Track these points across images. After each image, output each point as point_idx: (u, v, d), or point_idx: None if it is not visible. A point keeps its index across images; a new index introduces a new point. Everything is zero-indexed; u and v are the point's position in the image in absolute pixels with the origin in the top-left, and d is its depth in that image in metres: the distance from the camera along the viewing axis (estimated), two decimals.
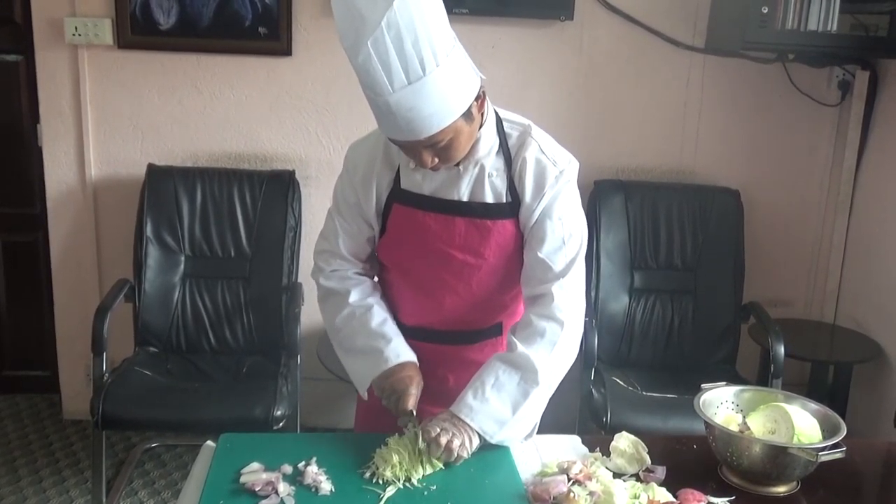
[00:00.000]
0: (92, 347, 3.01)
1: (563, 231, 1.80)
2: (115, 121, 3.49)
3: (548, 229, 1.79)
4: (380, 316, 1.89)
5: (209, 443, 1.79)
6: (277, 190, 3.40)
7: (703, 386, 1.85)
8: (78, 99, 3.45)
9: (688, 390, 2.03)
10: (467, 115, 1.65)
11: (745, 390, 1.88)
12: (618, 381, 3.17)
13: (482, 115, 1.73)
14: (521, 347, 1.77)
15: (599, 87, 3.55)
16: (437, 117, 1.59)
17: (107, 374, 3.02)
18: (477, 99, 1.67)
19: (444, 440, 1.67)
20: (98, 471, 3.04)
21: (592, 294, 3.37)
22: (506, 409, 1.74)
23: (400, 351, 1.85)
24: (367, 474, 1.65)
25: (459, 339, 1.95)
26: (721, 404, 1.84)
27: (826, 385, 3.49)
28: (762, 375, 3.27)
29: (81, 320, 3.48)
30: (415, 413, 1.75)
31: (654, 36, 3.49)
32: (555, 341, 1.78)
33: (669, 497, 1.61)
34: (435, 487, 1.62)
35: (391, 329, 1.88)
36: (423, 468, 1.66)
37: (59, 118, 3.48)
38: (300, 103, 3.51)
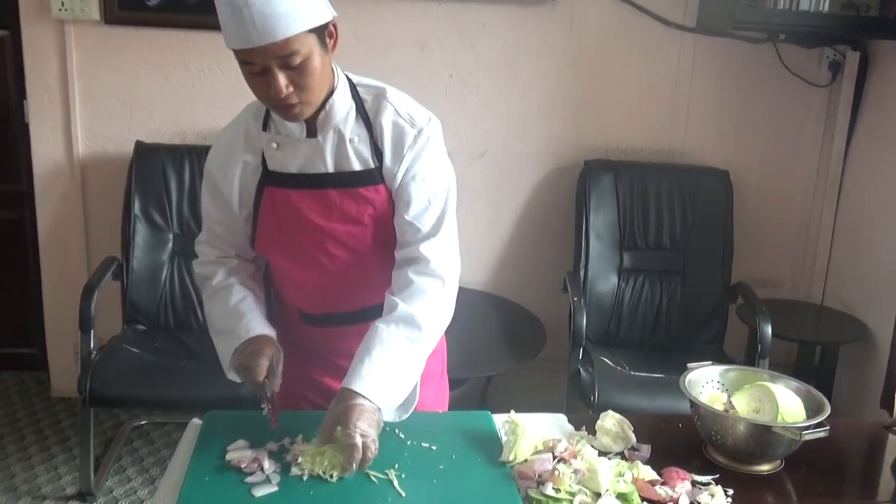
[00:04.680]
0: (79, 325, 3.00)
1: (429, 191, 1.76)
2: (103, 97, 3.46)
3: (412, 191, 1.75)
4: (239, 294, 1.82)
5: (195, 420, 1.79)
6: None
7: (689, 365, 1.86)
8: (65, 75, 3.41)
9: (675, 370, 2.04)
10: (321, 37, 1.61)
11: (731, 370, 1.88)
12: (606, 360, 3.18)
13: (335, 66, 1.70)
14: (403, 305, 1.71)
15: (589, 67, 3.54)
16: (291, 17, 1.53)
17: (94, 352, 3.01)
18: (330, 36, 1.64)
19: (371, 454, 1.56)
20: (86, 448, 3.05)
21: (581, 274, 3.38)
22: (394, 372, 1.67)
23: (251, 325, 1.76)
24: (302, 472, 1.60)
25: (368, 315, 1.88)
26: (706, 384, 1.85)
27: (812, 365, 3.51)
28: (749, 355, 3.29)
29: (69, 298, 3.46)
30: (267, 383, 1.67)
31: (644, 15, 3.48)
32: (437, 298, 1.74)
33: (654, 475, 1.62)
34: (419, 467, 1.62)
35: (248, 305, 1.80)
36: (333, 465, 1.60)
37: (45, 94, 3.44)
38: None
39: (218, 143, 1.84)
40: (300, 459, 1.60)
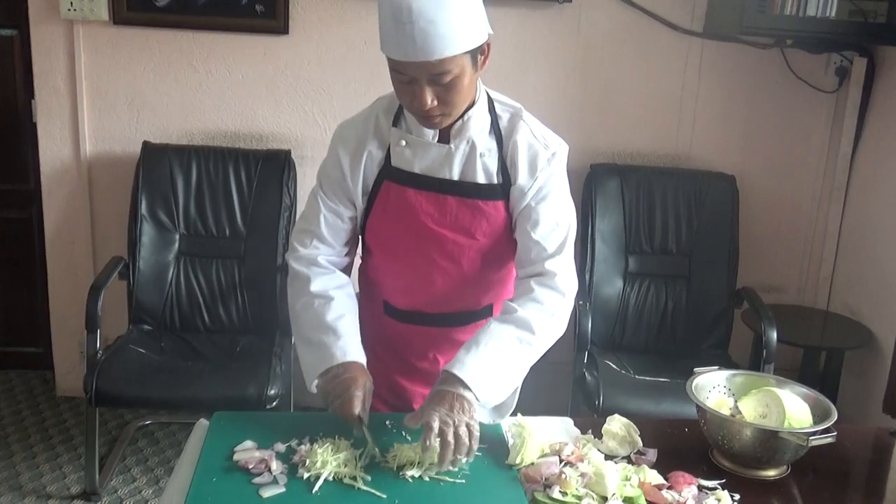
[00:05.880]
0: (86, 325, 3.01)
1: (557, 213, 1.81)
2: (111, 98, 3.47)
3: (542, 212, 1.79)
4: (337, 310, 1.81)
5: (202, 420, 1.79)
6: (273, 169, 3.39)
7: (696, 370, 1.86)
8: (73, 75, 3.43)
9: (680, 374, 2.04)
10: (474, 57, 1.65)
11: (737, 375, 1.89)
12: (611, 364, 3.18)
13: (479, 81, 1.73)
14: (520, 311, 1.75)
15: (596, 71, 3.54)
16: (451, 39, 1.57)
17: (100, 352, 3.02)
18: (482, 53, 1.67)
19: (450, 438, 1.57)
20: (91, 448, 3.05)
21: (587, 277, 3.38)
22: (498, 366, 1.70)
23: (348, 349, 1.76)
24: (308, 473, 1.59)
25: (450, 321, 1.94)
26: (713, 388, 1.85)
27: (817, 371, 3.51)
28: (754, 360, 3.29)
29: (75, 297, 3.48)
30: (363, 418, 1.67)
31: (652, 19, 3.48)
32: (554, 311, 1.78)
33: (660, 479, 1.63)
34: (426, 470, 1.62)
35: (345, 325, 1.80)
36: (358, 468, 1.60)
37: (53, 94, 3.45)
38: (297, 82, 3.50)
39: (346, 135, 1.85)
40: (308, 462, 1.60)
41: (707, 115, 3.61)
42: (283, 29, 3.41)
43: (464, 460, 1.60)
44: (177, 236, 3.37)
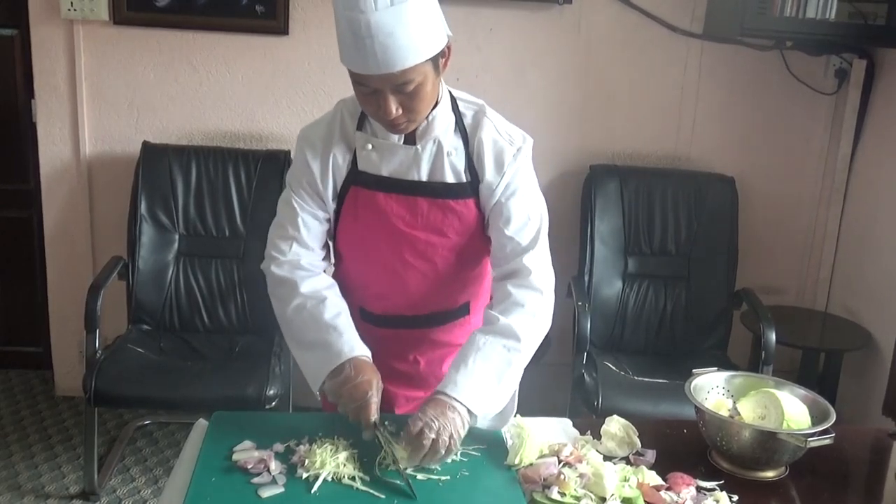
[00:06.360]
0: (85, 324, 3.01)
1: (527, 207, 1.81)
2: (111, 98, 3.48)
3: (512, 207, 1.79)
4: (333, 308, 1.79)
5: (201, 420, 1.79)
6: (272, 170, 3.39)
7: (695, 371, 1.86)
8: (73, 75, 3.43)
9: (679, 375, 2.04)
10: (436, 63, 1.65)
11: (736, 376, 1.89)
12: (609, 365, 3.18)
13: (441, 81, 1.73)
14: (502, 319, 1.74)
15: (596, 72, 3.55)
16: (412, 50, 1.57)
17: (100, 352, 3.02)
18: (443, 56, 1.67)
19: (427, 441, 1.57)
20: (90, 448, 3.05)
21: (586, 279, 3.38)
22: (490, 379, 1.69)
23: (354, 344, 1.74)
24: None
25: (428, 321, 1.94)
26: (712, 389, 1.85)
27: (816, 372, 3.51)
28: (753, 362, 3.29)
29: (75, 297, 3.48)
30: (379, 424, 1.65)
31: (652, 21, 3.48)
32: (535, 311, 1.77)
33: (659, 480, 1.63)
34: (425, 470, 1.62)
35: (344, 322, 1.78)
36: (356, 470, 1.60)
37: (53, 94, 3.45)
38: (296, 83, 3.50)
39: (311, 138, 1.83)
40: (307, 462, 1.60)
41: (706, 116, 3.62)
42: (283, 29, 3.41)
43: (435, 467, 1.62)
44: (176, 236, 3.37)
